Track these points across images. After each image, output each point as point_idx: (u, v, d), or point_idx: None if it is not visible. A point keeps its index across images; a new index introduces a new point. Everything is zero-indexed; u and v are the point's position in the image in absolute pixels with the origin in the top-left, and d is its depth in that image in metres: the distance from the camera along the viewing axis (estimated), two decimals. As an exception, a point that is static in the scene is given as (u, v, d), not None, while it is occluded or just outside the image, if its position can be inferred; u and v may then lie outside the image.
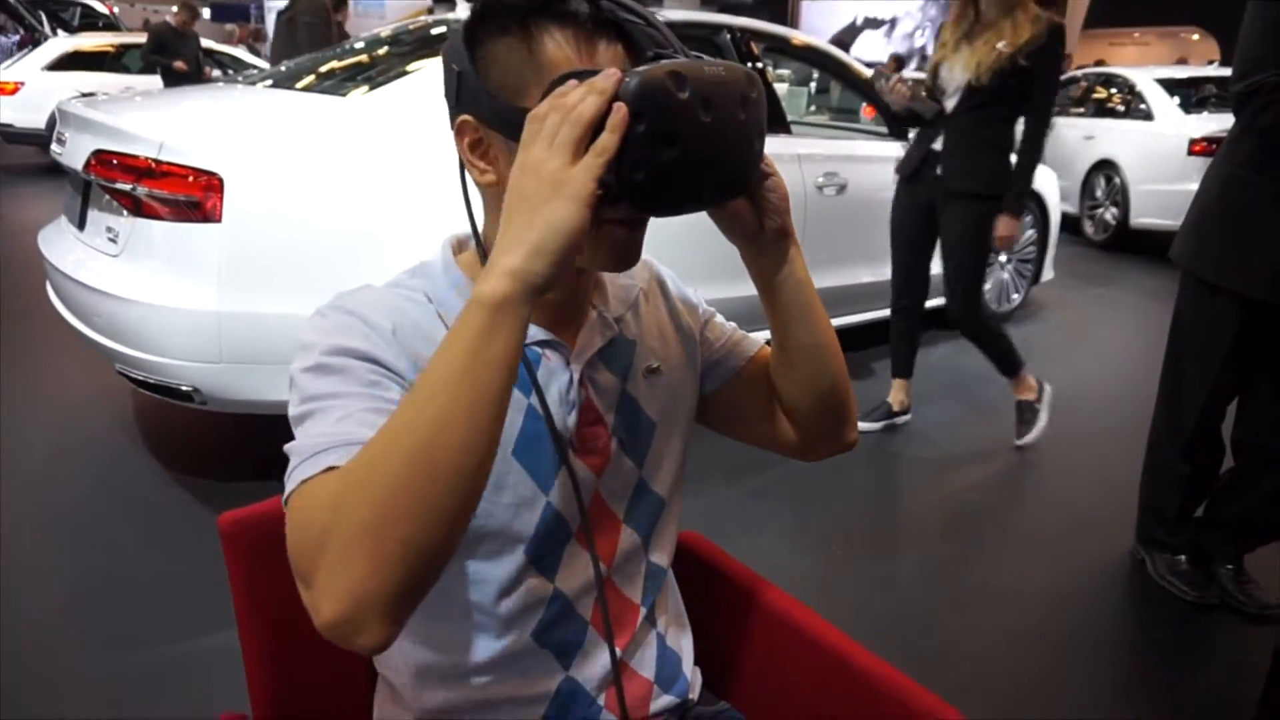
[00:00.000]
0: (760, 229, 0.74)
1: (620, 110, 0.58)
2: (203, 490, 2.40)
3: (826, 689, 0.89)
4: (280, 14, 5.54)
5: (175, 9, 7.37)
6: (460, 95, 0.69)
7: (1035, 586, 2.17)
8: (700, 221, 0.74)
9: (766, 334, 0.84)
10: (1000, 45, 2.61)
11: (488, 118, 0.68)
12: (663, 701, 0.85)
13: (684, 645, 0.90)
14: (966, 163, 2.76)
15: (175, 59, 6.89)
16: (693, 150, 0.60)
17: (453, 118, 0.70)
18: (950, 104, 2.77)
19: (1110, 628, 2.06)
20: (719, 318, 0.94)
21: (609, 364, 0.81)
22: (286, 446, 0.64)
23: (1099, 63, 12.69)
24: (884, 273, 3.64)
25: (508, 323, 0.57)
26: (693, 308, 0.92)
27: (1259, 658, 1.76)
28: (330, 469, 0.59)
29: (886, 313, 3.72)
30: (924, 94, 2.84)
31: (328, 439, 0.61)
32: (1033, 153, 2.70)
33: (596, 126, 0.58)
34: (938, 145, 2.82)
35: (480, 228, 0.75)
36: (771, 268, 0.77)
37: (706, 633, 0.97)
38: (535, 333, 0.76)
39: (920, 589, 2.16)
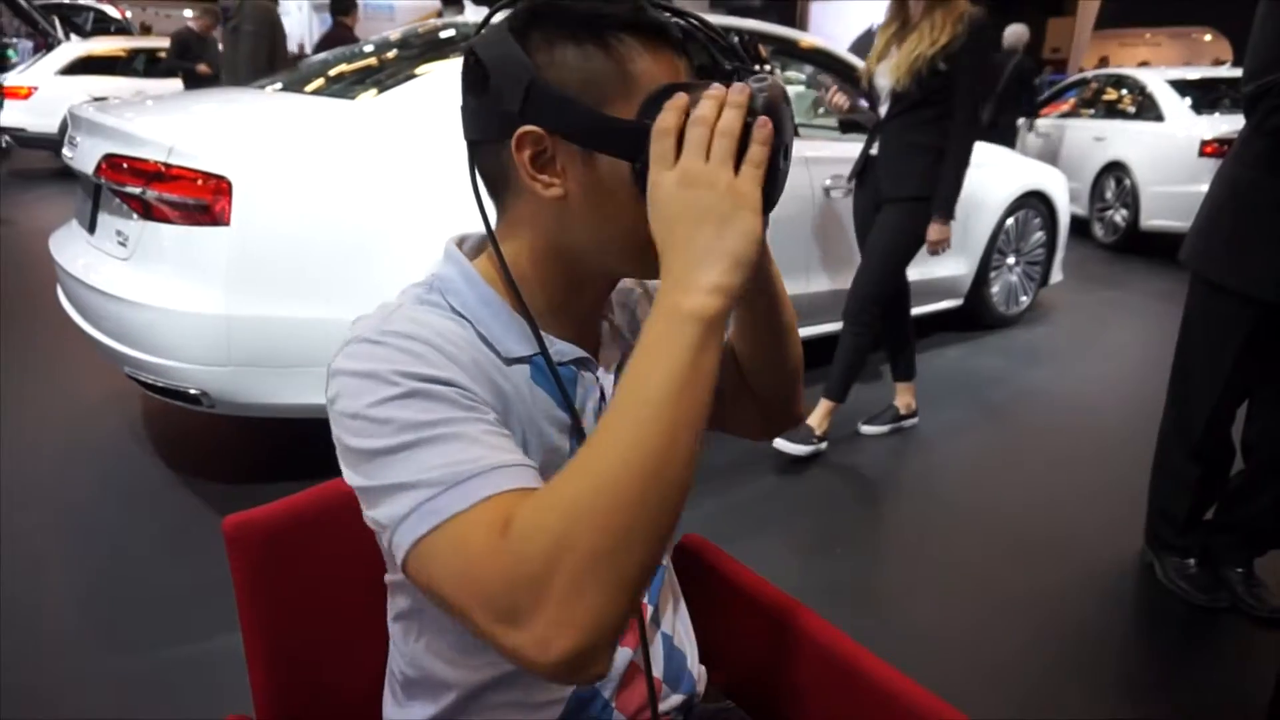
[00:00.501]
0: None
1: (768, 124, 0.60)
2: (211, 493, 2.42)
3: (830, 690, 0.90)
4: (225, 22, 5.41)
5: (193, 14, 7.44)
6: (527, 106, 0.64)
7: (1043, 589, 2.16)
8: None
9: None
10: (920, 47, 2.61)
11: (564, 128, 0.65)
12: (671, 700, 0.85)
13: (688, 642, 0.90)
14: (896, 167, 2.77)
15: (198, 63, 6.98)
16: (776, 160, 0.63)
17: (505, 129, 0.66)
18: (883, 110, 2.79)
19: (1119, 632, 2.05)
20: None
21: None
22: (388, 479, 0.58)
23: (1103, 62, 12.61)
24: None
25: (718, 337, 0.58)
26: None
27: (1269, 661, 1.75)
28: (509, 492, 0.57)
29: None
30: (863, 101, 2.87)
31: (475, 464, 0.57)
32: (957, 155, 2.66)
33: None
34: (875, 151, 2.86)
35: (497, 234, 0.72)
36: (766, 254, 0.78)
37: (710, 632, 0.97)
38: (569, 350, 0.75)
39: (927, 592, 2.15)
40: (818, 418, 2.83)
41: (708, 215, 0.58)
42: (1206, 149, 5.82)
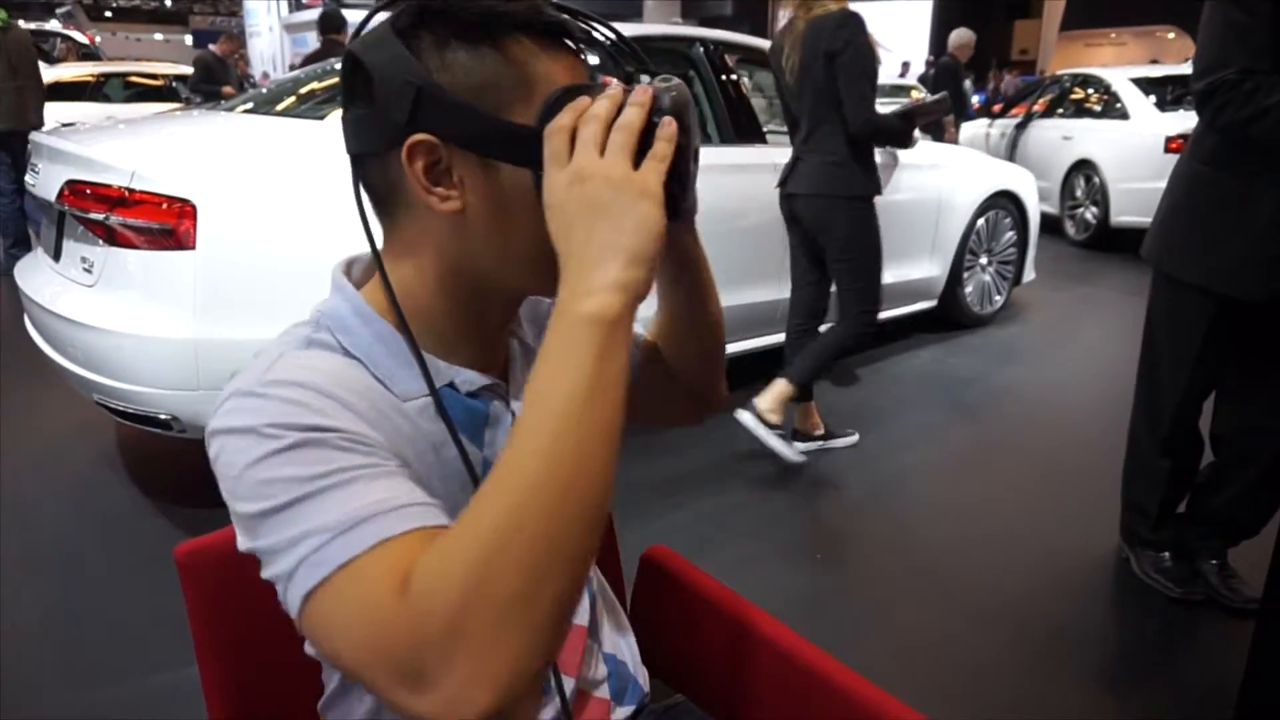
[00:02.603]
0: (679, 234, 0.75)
1: (673, 123, 0.59)
2: (185, 519, 2.39)
3: (791, 696, 0.90)
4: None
5: (218, 39, 7.87)
6: (417, 113, 0.60)
7: (1021, 587, 2.17)
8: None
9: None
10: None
11: (459, 136, 0.61)
12: (620, 713, 0.84)
13: (625, 648, 0.88)
14: (806, 166, 2.74)
15: (223, 85, 7.24)
16: (683, 164, 0.62)
17: (393, 140, 0.61)
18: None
19: (1096, 626, 2.06)
20: None
21: None
22: (277, 537, 0.53)
23: (1023, 53, 12.68)
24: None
25: (622, 337, 0.54)
26: None
27: (1244, 651, 1.76)
28: (409, 534, 0.52)
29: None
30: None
31: (368, 508, 0.52)
32: (861, 133, 2.60)
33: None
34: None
35: (388, 254, 0.68)
36: (692, 244, 0.77)
37: (675, 643, 0.97)
38: (475, 378, 0.70)
39: (906, 595, 2.16)
40: (772, 401, 2.72)
41: (603, 210, 0.55)
42: (1172, 145, 5.90)
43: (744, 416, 2.74)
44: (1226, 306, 1.88)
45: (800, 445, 2.89)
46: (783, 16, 2.98)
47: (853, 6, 2.66)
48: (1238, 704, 1.42)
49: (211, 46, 7.78)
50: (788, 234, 2.91)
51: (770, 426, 2.73)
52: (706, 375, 0.88)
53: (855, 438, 3.00)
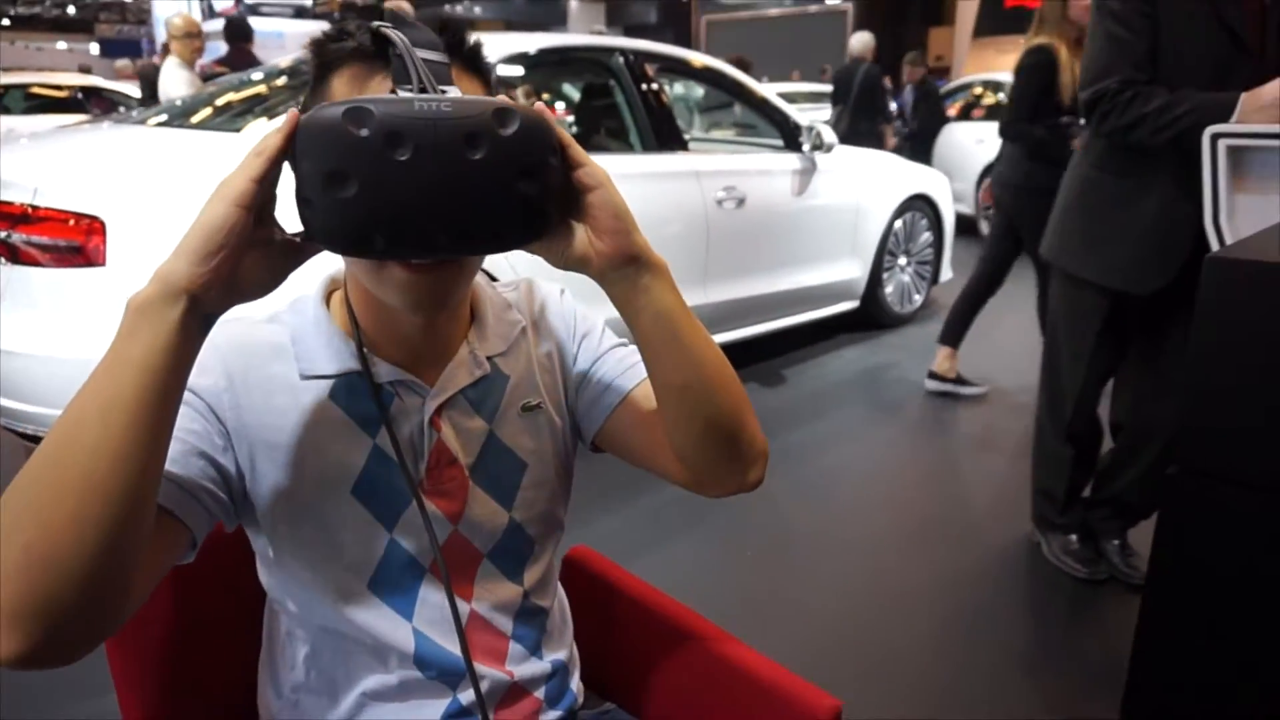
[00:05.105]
0: (592, 254, 0.67)
1: (290, 119, 0.58)
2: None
3: (712, 688, 0.93)
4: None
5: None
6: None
7: (941, 576, 2.26)
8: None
9: None
10: None
11: None
12: (550, 716, 0.87)
13: (572, 662, 0.93)
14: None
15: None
16: (382, 191, 0.57)
17: None
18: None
19: (1008, 608, 2.16)
20: (608, 342, 0.88)
21: (475, 404, 0.81)
22: None
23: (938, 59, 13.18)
24: (785, 282, 3.76)
25: (147, 326, 0.57)
26: (568, 336, 0.88)
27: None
28: None
29: (787, 321, 3.86)
30: None
31: None
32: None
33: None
34: None
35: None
36: (621, 298, 0.70)
37: (594, 641, 0.99)
38: (389, 372, 0.77)
39: (831, 587, 2.22)
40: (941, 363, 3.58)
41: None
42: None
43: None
44: (1118, 301, 2.00)
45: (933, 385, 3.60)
46: (703, 25, 3.03)
47: (771, 13, 2.76)
48: (1129, 674, 1.51)
49: (154, 58, 7.45)
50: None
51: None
52: (702, 449, 0.76)
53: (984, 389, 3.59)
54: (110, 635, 0.59)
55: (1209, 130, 1.50)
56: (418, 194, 0.57)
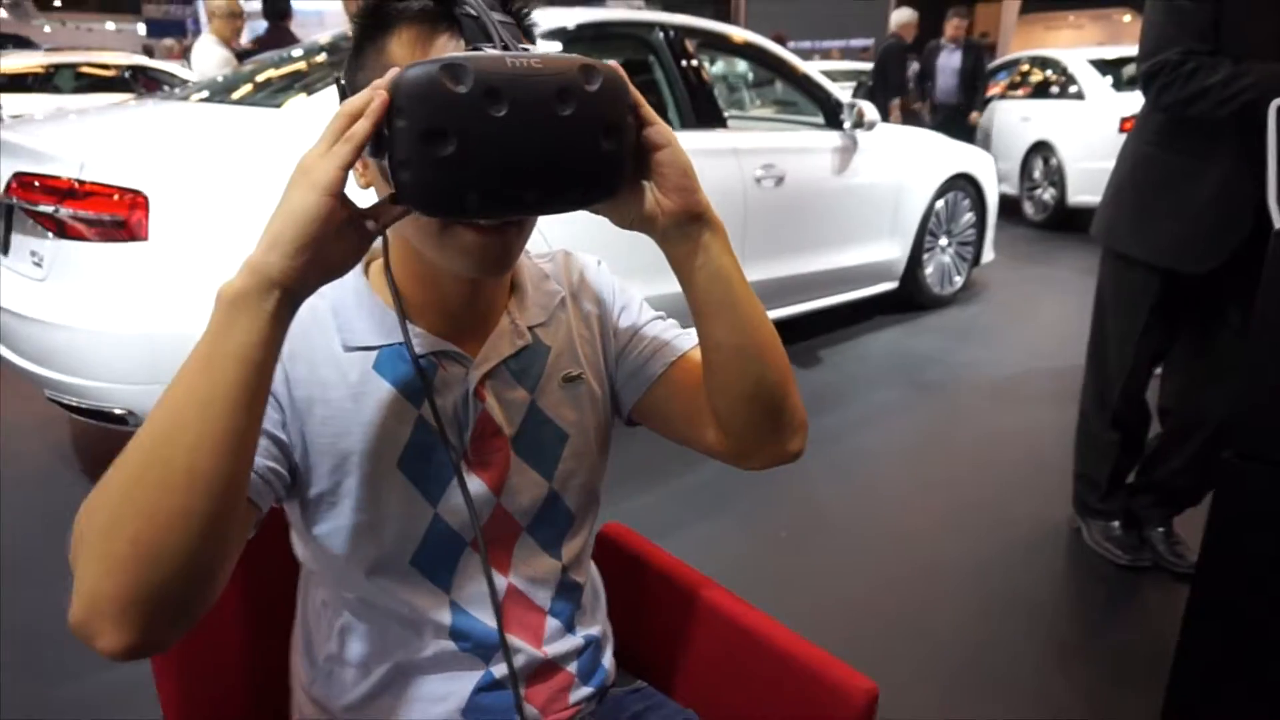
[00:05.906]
0: (659, 212, 0.68)
1: (380, 97, 0.56)
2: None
3: (743, 664, 0.92)
4: None
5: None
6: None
7: (979, 560, 2.22)
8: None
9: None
10: None
11: None
12: (583, 691, 0.87)
13: (606, 639, 0.92)
14: None
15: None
16: (480, 147, 0.56)
17: None
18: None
19: (1048, 593, 2.12)
20: (647, 314, 0.88)
21: (517, 375, 0.80)
22: None
23: (984, 35, 12.86)
24: (824, 261, 3.71)
25: (243, 319, 0.56)
26: (608, 306, 0.88)
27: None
28: None
29: (825, 302, 3.81)
30: None
31: None
32: None
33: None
34: None
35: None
36: (681, 257, 0.70)
37: (627, 618, 0.99)
38: (431, 343, 0.76)
39: (867, 568, 2.20)
40: None
41: (282, 195, 0.58)
42: (1125, 125, 6.00)
43: None
44: (1170, 281, 1.93)
45: None
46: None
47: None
48: (1174, 662, 1.47)
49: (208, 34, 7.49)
50: None
51: None
52: (746, 417, 0.76)
53: None
54: (198, 621, 0.59)
55: (1276, 103, 1.44)
56: (512, 151, 0.57)
